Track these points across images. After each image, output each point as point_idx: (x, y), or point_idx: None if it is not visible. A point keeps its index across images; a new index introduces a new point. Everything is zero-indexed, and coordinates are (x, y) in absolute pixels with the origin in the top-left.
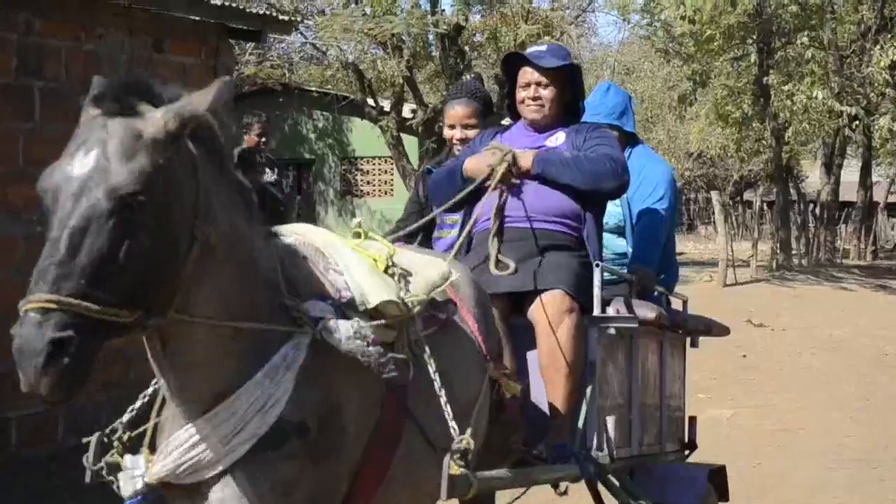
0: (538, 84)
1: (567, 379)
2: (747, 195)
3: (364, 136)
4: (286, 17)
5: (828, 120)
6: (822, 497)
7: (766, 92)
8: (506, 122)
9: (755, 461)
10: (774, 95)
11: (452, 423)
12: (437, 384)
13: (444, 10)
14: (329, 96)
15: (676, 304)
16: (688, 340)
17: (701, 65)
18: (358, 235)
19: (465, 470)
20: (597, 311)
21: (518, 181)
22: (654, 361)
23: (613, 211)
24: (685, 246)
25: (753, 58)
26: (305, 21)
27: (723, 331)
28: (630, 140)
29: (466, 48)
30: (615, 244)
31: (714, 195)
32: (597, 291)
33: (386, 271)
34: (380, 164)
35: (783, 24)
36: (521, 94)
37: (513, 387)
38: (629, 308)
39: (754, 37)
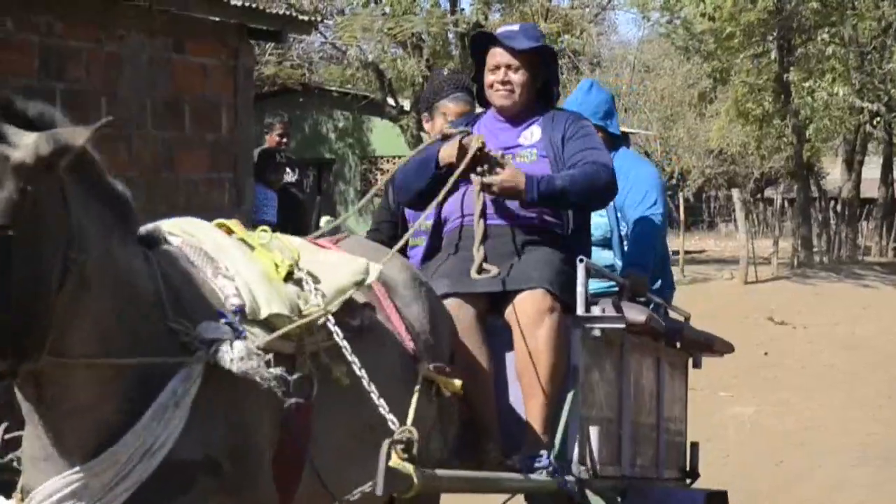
0: (508, 67)
1: (546, 384)
2: (768, 192)
3: (384, 136)
4: (306, 17)
5: (849, 117)
6: (843, 495)
7: (787, 89)
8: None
9: (777, 459)
10: (795, 92)
11: (390, 416)
12: (364, 381)
13: (463, 9)
14: (349, 96)
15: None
16: (690, 361)
17: (721, 62)
18: (265, 233)
19: (407, 463)
20: (581, 311)
21: (495, 189)
22: (650, 378)
23: (599, 222)
24: (706, 243)
25: (774, 55)
26: (325, 21)
27: (726, 347)
28: (614, 142)
29: None
30: (601, 257)
31: (735, 192)
32: (580, 289)
33: (289, 276)
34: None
35: (804, 21)
36: (489, 77)
37: (452, 384)
38: (617, 309)
39: (775, 33)
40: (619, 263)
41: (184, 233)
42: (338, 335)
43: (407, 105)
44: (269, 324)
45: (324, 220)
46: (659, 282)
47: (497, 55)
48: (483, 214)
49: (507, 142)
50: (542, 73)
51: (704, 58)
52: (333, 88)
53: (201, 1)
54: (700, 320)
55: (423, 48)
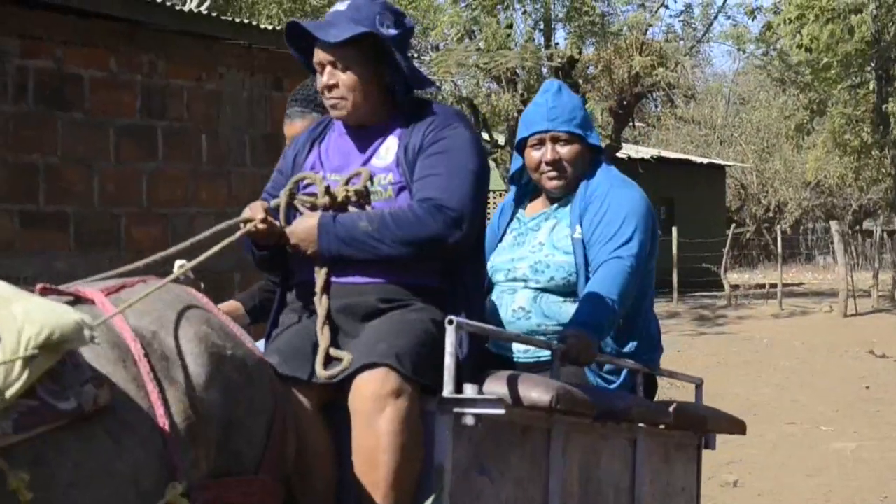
0: (332, 65)
1: (389, 492)
2: (867, 224)
3: None
4: None
5: None
6: None
7: (886, 119)
8: None
9: (881, 494)
10: (894, 123)
11: None
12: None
13: (557, 44)
14: None
15: (685, 392)
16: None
17: (818, 93)
18: None
19: None
20: (448, 391)
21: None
22: (616, 470)
23: (561, 262)
24: (803, 276)
25: (872, 85)
26: (420, 57)
27: (735, 427)
28: (594, 156)
29: (580, 81)
30: (561, 312)
31: (833, 225)
32: (449, 360)
33: None
34: (495, 197)
35: None
36: (317, 80)
37: None
38: (512, 386)
39: (872, 64)
40: None
41: None
42: None
43: (501, 140)
44: None
45: (177, 264)
46: (633, 343)
47: (317, 51)
48: (327, 276)
49: (359, 160)
50: (388, 61)
51: (801, 89)
52: None
53: None
54: (799, 353)
55: (518, 83)
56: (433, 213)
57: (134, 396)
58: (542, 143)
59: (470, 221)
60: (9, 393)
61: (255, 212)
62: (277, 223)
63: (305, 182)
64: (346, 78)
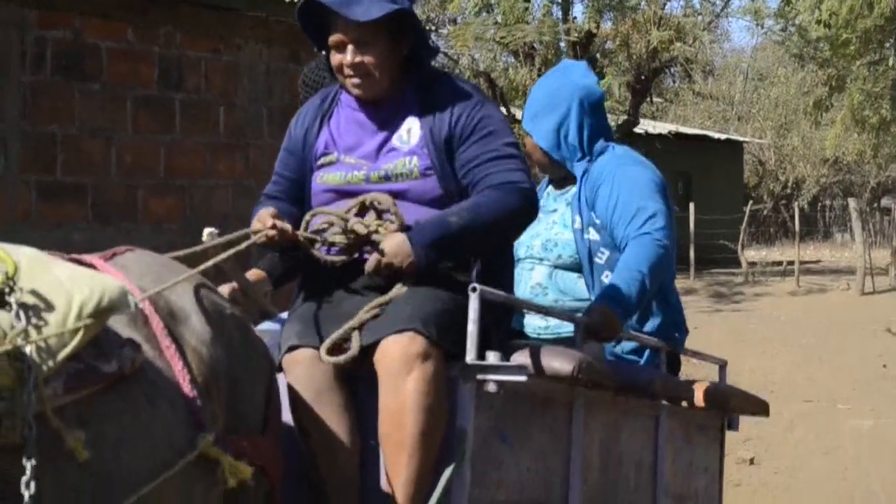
0: (356, 43)
1: (415, 453)
2: (885, 201)
3: None
4: None
5: None
6: None
7: None
8: None
9: None
10: None
11: None
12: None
13: (575, 18)
14: None
15: (707, 371)
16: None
17: (837, 69)
18: None
19: None
20: (471, 358)
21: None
22: (640, 446)
23: (567, 240)
24: (821, 253)
25: (892, 61)
26: (438, 30)
27: (759, 408)
28: (593, 137)
29: (598, 55)
30: (574, 288)
31: (851, 202)
32: (472, 327)
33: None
34: None
35: None
36: (335, 58)
37: (241, 469)
38: (535, 356)
39: (892, 40)
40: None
41: None
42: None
43: (518, 114)
44: None
45: (206, 231)
46: (655, 320)
47: (339, 29)
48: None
49: (376, 145)
50: (406, 38)
51: (820, 65)
52: None
53: None
54: (816, 331)
55: (535, 57)
56: (514, 194)
57: (152, 356)
58: None
59: (536, 204)
60: (60, 356)
61: (263, 221)
62: (288, 226)
63: (321, 221)
64: (370, 56)
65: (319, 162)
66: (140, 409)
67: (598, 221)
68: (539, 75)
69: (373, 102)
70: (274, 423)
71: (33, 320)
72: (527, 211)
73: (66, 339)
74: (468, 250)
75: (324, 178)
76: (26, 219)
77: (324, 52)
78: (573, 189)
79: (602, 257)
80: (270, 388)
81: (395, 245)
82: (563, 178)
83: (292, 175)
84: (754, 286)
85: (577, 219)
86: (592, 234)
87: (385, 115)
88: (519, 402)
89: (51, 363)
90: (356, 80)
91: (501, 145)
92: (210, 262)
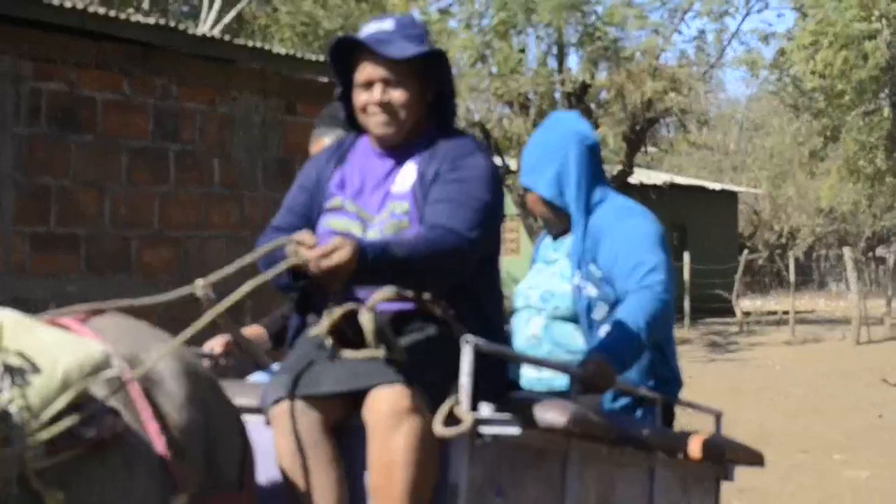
0: (385, 82)
1: None
2: (880, 251)
3: None
4: None
5: None
6: None
7: None
8: None
9: None
10: None
11: None
12: None
13: (570, 69)
14: None
15: (704, 421)
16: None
17: (832, 119)
18: None
19: None
20: (464, 410)
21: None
22: (634, 496)
23: (565, 291)
24: (816, 303)
25: (886, 112)
26: None
27: (752, 458)
28: (591, 183)
29: (593, 105)
30: (570, 340)
31: (846, 251)
32: (465, 380)
33: None
34: (506, 222)
35: None
36: (361, 97)
37: None
38: (527, 407)
39: (886, 91)
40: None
41: None
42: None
43: (513, 165)
44: None
45: (197, 283)
46: (651, 381)
47: (368, 67)
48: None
49: (381, 197)
50: (433, 82)
51: (814, 115)
52: None
53: (313, 63)
54: (812, 381)
55: (530, 107)
56: (444, 236)
57: (130, 420)
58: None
59: (477, 246)
60: (43, 418)
61: (305, 237)
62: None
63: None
64: (398, 95)
65: (327, 205)
66: (117, 475)
67: (598, 274)
68: (534, 125)
69: (389, 147)
70: (250, 481)
71: (18, 382)
72: (458, 249)
73: (50, 402)
74: (406, 273)
75: (330, 222)
76: (20, 269)
77: (338, 100)
78: (570, 239)
79: (599, 312)
80: (245, 446)
81: (338, 238)
82: (563, 231)
83: (301, 210)
84: (749, 336)
85: (577, 274)
86: (590, 290)
87: (392, 162)
88: (513, 454)
89: (34, 425)
90: (382, 118)
91: (465, 193)
92: (206, 318)
